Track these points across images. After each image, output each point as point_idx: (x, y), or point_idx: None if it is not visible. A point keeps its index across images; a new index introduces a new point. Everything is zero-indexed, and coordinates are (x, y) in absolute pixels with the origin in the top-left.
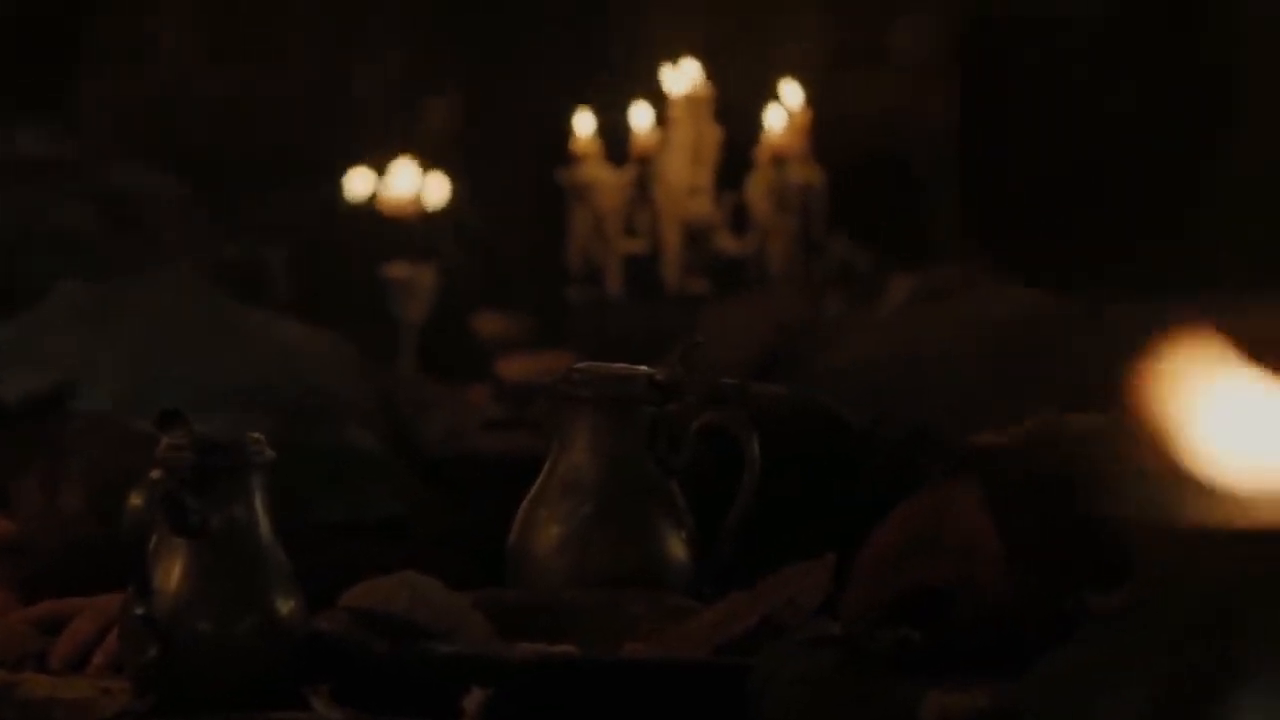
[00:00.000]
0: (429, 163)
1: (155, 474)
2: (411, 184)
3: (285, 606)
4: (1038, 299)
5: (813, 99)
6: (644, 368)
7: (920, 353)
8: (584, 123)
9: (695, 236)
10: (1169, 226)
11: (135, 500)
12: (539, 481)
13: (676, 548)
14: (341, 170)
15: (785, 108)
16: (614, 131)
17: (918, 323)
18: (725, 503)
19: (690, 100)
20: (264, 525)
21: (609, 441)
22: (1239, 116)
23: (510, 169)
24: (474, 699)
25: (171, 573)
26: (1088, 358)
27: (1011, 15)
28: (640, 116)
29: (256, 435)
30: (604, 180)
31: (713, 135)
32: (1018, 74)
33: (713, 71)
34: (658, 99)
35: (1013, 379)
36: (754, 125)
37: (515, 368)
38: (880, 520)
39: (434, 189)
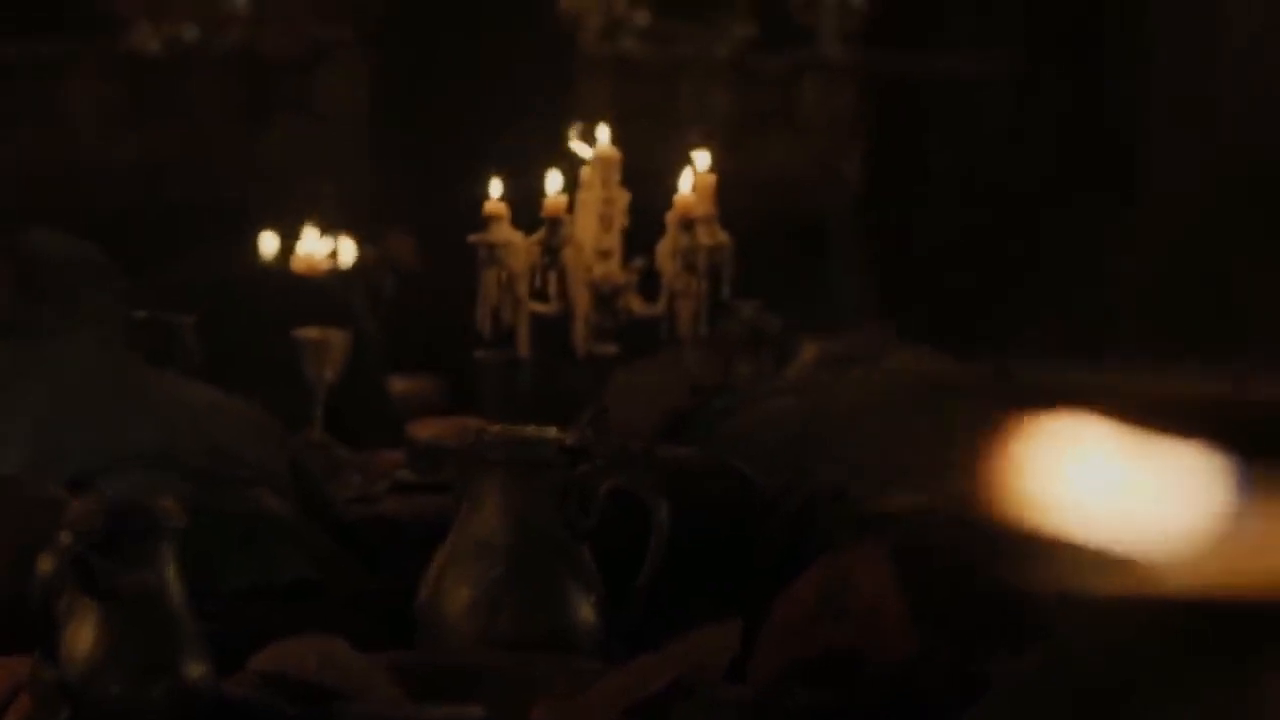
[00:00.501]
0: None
1: (65, 537)
2: (323, 246)
3: (196, 670)
4: (947, 364)
5: (722, 162)
6: (554, 431)
7: (829, 417)
8: (494, 186)
9: (604, 299)
10: (1076, 291)
11: (44, 564)
12: (448, 543)
13: (586, 610)
14: (253, 232)
15: (694, 170)
16: (530, 196)
17: (826, 386)
18: (636, 564)
19: (600, 163)
20: (174, 588)
21: (519, 504)
22: (1141, 184)
23: (422, 231)
24: None
25: (82, 636)
26: (995, 423)
27: (920, 80)
28: (552, 179)
29: (167, 499)
30: (514, 242)
31: (622, 198)
32: (928, 138)
33: (623, 135)
34: (569, 162)
35: (921, 444)
36: (665, 189)
37: (427, 430)
38: (789, 583)
39: (345, 251)
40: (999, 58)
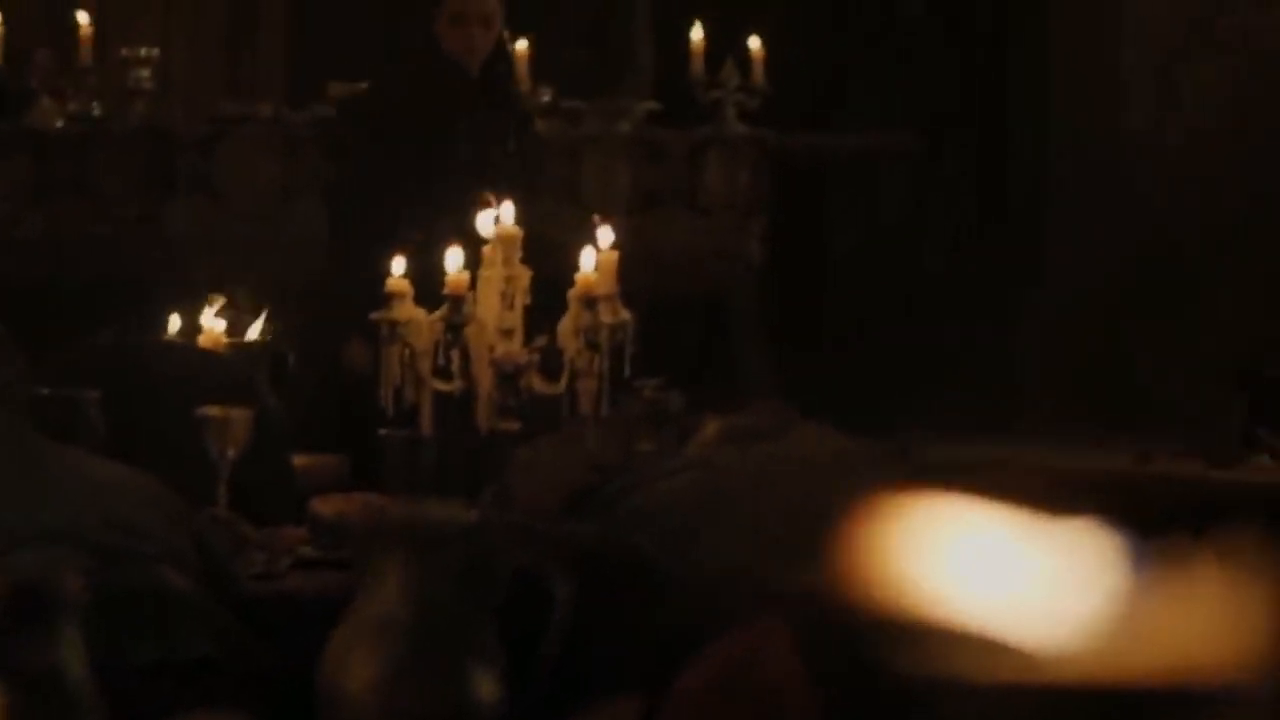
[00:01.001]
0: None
1: None
2: (226, 323)
3: None
4: (849, 441)
5: (625, 239)
6: (456, 508)
7: (731, 494)
8: (396, 264)
9: (506, 377)
10: (979, 370)
11: None
12: (350, 620)
13: (487, 686)
14: (158, 309)
15: (596, 248)
16: (434, 274)
17: (728, 463)
18: (538, 641)
19: (501, 241)
20: (77, 665)
21: (421, 581)
22: (1044, 266)
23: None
24: None
25: None
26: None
27: (825, 158)
28: (452, 257)
29: (70, 576)
30: (416, 320)
31: (524, 276)
32: (831, 216)
33: (526, 212)
34: (472, 240)
35: (823, 522)
36: (567, 266)
37: (330, 507)
38: (690, 661)
39: (250, 328)
40: (904, 138)
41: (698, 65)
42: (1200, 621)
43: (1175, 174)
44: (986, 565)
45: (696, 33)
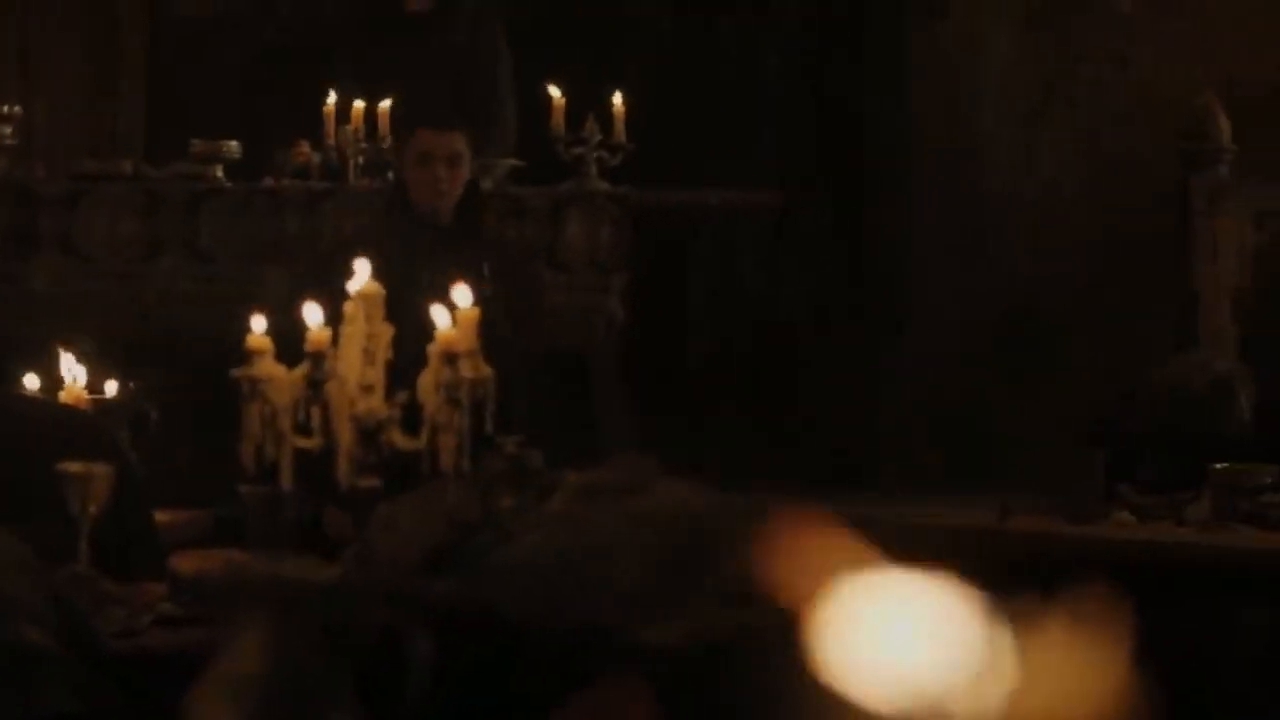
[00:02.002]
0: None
1: None
2: (85, 377)
3: None
4: (708, 495)
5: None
6: (315, 564)
7: (589, 548)
8: (256, 321)
9: (367, 433)
10: (839, 425)
11: None
12: (210, 677)
13: None
14: (17, 365)
15: (454, 304)
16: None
17: (588, 519)
18: (399, 699)
19: (363, 298)
20: None
21: (281, 638)
22: (904, 322)
23: (187, 366)
24: None
25: None
26: (754, 555)
27: (687, 215)
28: (312, 313)
29: None
30: (277, 377)
31: (385, 333)
32: (693, 272)
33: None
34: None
35: (683, 576)
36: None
37: (191, 564)
38: (551, 718)
39: (108, 384)
40: (765, 195)
41: (558, 122)
42: (1049, 682)
43: (1033, 229)
44: (844, 622)
45: (555, 90)
